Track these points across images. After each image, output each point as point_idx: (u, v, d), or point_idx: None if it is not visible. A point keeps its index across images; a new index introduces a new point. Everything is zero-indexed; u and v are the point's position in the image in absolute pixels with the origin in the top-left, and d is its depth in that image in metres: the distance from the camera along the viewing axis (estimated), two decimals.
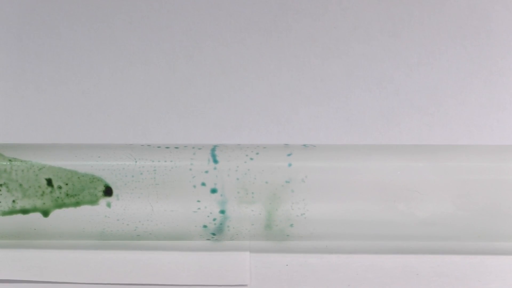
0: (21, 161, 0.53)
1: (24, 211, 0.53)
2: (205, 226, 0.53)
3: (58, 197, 0.52)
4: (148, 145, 0.54)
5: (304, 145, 0.55)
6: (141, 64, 0.70)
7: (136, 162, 0.53)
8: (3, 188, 0.52)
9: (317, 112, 0.70)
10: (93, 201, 0.53)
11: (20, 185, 0.52)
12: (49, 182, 0.53)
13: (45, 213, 0.53)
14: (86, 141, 0.68)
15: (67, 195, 0.52)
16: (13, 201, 0.53)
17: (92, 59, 0.70)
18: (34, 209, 0.53)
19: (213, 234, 0.54)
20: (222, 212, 0.53)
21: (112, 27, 0.69)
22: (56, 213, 0.53)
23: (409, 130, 0.70)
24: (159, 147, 0.54)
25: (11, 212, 0.53)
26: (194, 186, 0.52)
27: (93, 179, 0.52)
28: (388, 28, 0.69)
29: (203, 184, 0.52)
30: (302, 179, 0.52)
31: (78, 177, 0.53)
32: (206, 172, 0.52)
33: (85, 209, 0.53)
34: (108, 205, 0.53)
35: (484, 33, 0.69)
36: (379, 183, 0.52)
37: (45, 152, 0.54)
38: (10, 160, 0.53)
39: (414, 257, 0.53)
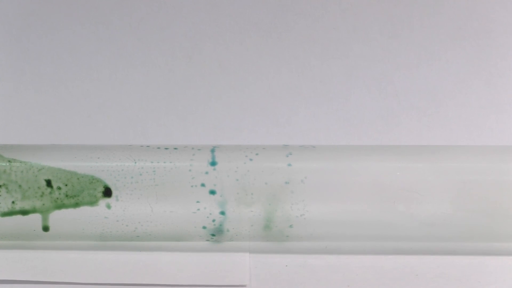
0: (21, 162, 0.53)
1: (24, 212, 0.53)
2: (204, 227, 0.53)
3: (57, 198, 0.52)
4: (148, 146, 0.54)
5: (304, 146, 0.55)
6: (140, 65, 0.70)
7: (135, 163, 0.53)
8: (3, 189, 0.52)
9: (317, 113, 0.70)
10: (93, 202, 0.53)
11: (20, 186, 0.52)
12: (49, 183, 0.53)
13: (45, 228, 0.53)
14: (85, 142, 0.68)
15: (67, 196, 0.52)
16: (13, 202, 0.53)
17: (91, 60, 0.70)
18: (34, 210, 0.53)
19: (213, 235, 0.54)
20: (222, 213, 0.53)
21: (112, 28, 0.69)
22: (55, 214, 0.53)
23: (408, 131, 0.70)
24: (158, 148, 0.54)
25: (11, 213, 0.53)
26: (194, 187, 0.52)
27: (93, 180, 0.52)
28: (388, 29, 0.69)
29: (203, 185, 0.52)
30: (301, 180, 0.52)
31: (78, 178, 0.53)
32: (206, 173, 0.52)
33: (84, 210, 0.53)
34: (108, 206, 0.53)
35: (483, 34, 0.69)
36: (379, 184, 0.52)
37: (45, 153, 0.54)
38: (9, 161, 0.53)
39: (414, 258, 0.53)
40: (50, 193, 0.52)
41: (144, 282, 0.50)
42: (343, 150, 0.54)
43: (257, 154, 0.53)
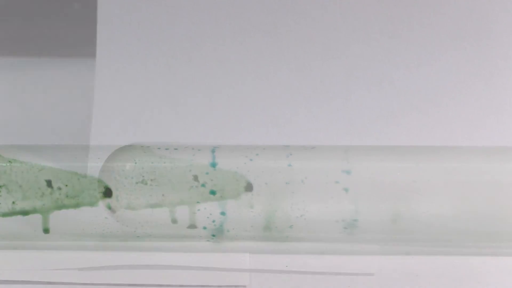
0: (21, 162, 0.53)
1: (24, 213, 0.53)
2: (205, 228, 0.53)
3: (58, 199, 0.52)
4: (148, 146, 0.54)
5: (304, 146, 0.55)
6: (140, 65, 0.70)
7: (135, 163, 0.53)
8: (3, 190, 0.52)
9: (317, 113, 0.70)
10: (93, 203, 0.53)
11: (20, 186, 0.52)
12: (49, 183, 0.53)
13: (46, 229, 0.53)
14: (85, 142, 0.68)
15: (67, 196, 0.52)
16: (13, 202, 0.53)
17: (91, 60, 0.70)
18: (34, 211, 0.53)
19: (213, 235, 0.54)
20: (222, 213, 0.53)
21: (112, 27, 0.69)
22: (55, 215, 0.53)
23: (409, 131, 0.70)
24: (158, 148, 0.54)
25: (11, 213, 0.53)
26: (194, 187, 0.52)
27: (93, 180, 0.52)
28: (388, 29, 0.69)
29: (203, 185, 0.52)
30: (301, 180, 0.52)
31: (78, 179, 0.53)
32: (206, 173, 0.52)
33: (85, 210, 0.53)
34: (108, 206, 0.53)
35: (484, 33, 0.69)
36: (379, 184, 0.52)
37: (45, 153, 0.54)
38: (10, 161, 0.53)
39: (414, 258, 0.53)
40: (51, 193, 0.52)
41: (144, 282, 0.50)
42: (343, 150, 0.54)
43: (257, 154, 0.53)
